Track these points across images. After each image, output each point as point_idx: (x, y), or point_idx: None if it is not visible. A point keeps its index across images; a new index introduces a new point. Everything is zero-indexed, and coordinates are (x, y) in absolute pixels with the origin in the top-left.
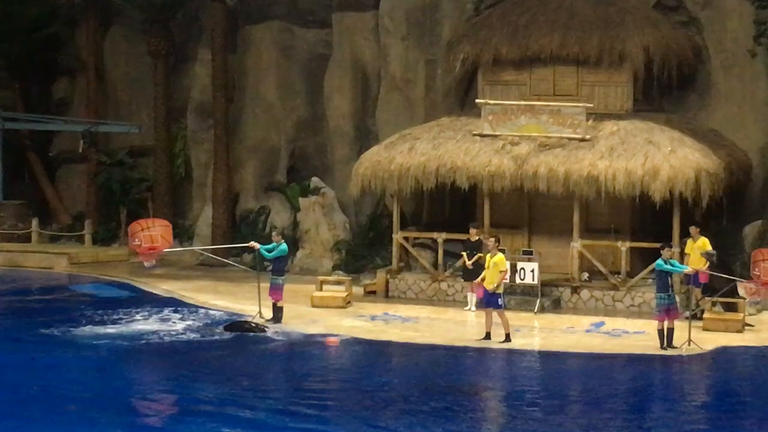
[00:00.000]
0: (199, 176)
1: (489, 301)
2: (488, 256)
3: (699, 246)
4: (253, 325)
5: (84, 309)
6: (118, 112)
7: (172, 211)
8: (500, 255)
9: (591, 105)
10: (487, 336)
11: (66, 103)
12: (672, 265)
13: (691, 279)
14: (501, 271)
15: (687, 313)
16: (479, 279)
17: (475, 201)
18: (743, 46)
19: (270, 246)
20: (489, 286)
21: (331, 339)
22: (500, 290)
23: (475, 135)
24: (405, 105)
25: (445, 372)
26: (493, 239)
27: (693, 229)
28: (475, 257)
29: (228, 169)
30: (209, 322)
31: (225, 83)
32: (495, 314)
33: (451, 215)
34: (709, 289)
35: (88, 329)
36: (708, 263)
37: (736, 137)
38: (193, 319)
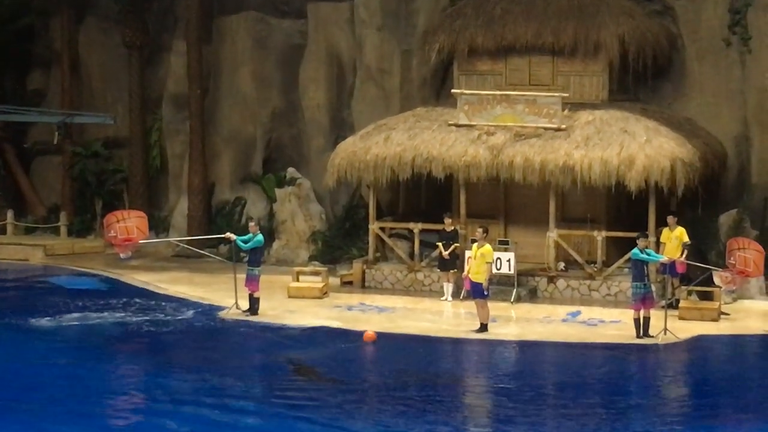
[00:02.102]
0: (175, 167)
1: (474, 291)
2: (475, 246)
3: (676, 235)
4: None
5: (58, 300)
6: (92, 103)
7: (148, 202)
8: (488, 246)
9: (566, 95)
10: (483, 327)
11: (41, 94)
12: (648, 255)
13: (666, 268)
14: (488, 263)
15: (663, 302)
16: (465, 271)
17: (451, 191)
18: (718, 36)
19: (246, 237)
20: (477, 277)
21: (369, 334)
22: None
23: (450, 125)
24: (381, 95)
25: (422, 362)
26: (481, 230)
27: (670, 219)
28: (452, 247)
29: (203, 160)
30: (184, 313)
31: (200, 74)
32: (475, 302)
33: (427, 205)
34: (684, 278)
35: (61, 319)
36: (685, 253)
37: (711, 126)
38: (169, 310)
